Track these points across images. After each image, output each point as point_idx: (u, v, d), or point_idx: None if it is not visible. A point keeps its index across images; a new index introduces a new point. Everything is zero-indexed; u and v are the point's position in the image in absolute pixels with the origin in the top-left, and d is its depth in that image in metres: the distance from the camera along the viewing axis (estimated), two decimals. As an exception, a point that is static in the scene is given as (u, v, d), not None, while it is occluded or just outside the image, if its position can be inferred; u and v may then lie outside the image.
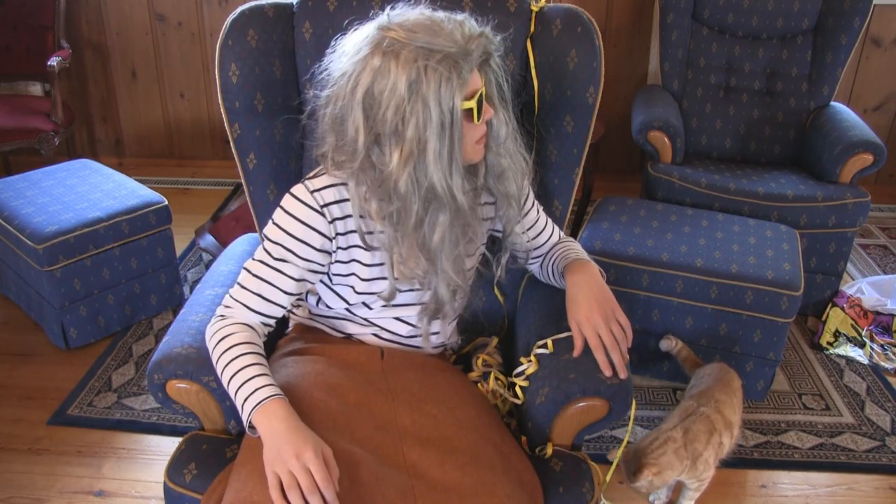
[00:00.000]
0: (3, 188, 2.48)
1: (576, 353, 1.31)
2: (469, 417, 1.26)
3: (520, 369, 1.39)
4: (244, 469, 1.14)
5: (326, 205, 1.23)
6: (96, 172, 2.63)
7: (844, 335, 2.50)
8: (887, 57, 3.36)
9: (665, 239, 2.22)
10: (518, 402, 1.38)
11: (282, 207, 1.25)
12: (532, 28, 1.52)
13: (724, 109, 2.91)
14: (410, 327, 1.38)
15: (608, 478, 1.45)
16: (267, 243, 1.26)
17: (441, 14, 1.15)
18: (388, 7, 1.19)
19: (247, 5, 1.50)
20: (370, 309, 1.35)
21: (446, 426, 1.23)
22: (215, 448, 1.32)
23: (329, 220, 1.23)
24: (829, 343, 2.48)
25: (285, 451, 1.08)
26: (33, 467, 1.96)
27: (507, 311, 1.65)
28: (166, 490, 1.31)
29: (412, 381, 1.30)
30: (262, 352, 1.24)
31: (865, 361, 2.42)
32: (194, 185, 3.62)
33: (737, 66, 2.90)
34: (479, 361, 1.47)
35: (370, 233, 1.26)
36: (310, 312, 1.44)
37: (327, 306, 1.38)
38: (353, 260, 1.28)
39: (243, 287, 1.27)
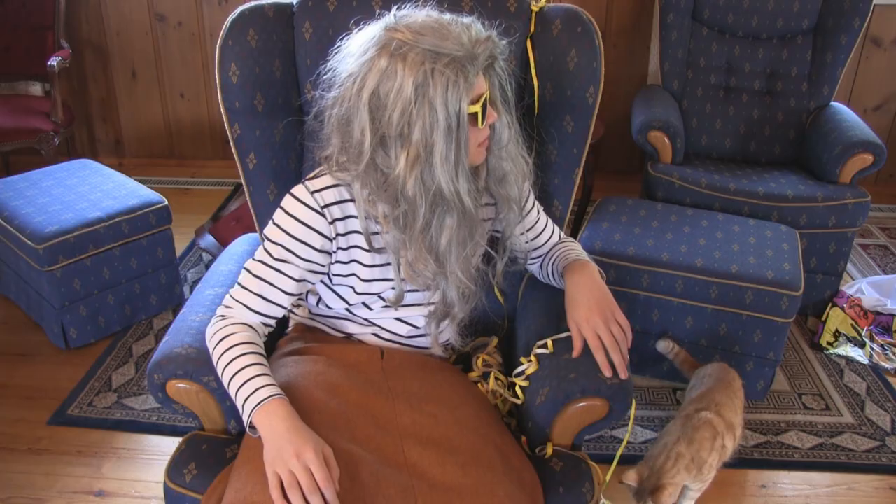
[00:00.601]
0: (3, 188, 2.48)
1: (575, 353, 1.31)
2: (469, 417, 1.26)
3: (520, 369, 1.39)
4: (244, 469, 1.14)
5: (327, 205, 1.23)
6: (96, 172, 2.63)
7: (844, 335, 2.50)
8: (887, 57, 3.36)
9: (665, 239, 2.22)
10: (518, 402, 1.38)
11: (282, 208, 1.25)
12: (532, 28, 1.52)
13: (724, 109, 2.91)
14: (410, 327, 1.38)
15: (608, 478, 1.45)
16: (267, 244, 1.26)
17: (448, 16, 1.15)
18: (395, 7, 1.18)
19: (247, 5, 1.50)
20: (370, 309, 1.35)
21: (446, 426, 1.23)
22: (215, 448, 1.32)
23: (329, 220, 1.23)
24: (829, 343, 2.48)
25: (286, 450, 1.08)
26: (33, 467, 1.96)
27: (507, 311, 1.65)
28: (166, 490, 1.31)
29: (412, 381, 1.30)
30: (262, 352, 1.24)
31: (865, 361, 2.42)
32: (194, 185, 3.62)
33: (737, 66, 2.90)
34: (479, 361, 1.47)
35: (375, 233, 1.26)
36: (310, 312, 1.44)
37: (327, 306, 1.38)
38: (354, 260, 1.28)
39: (243, 287, 1.27)
